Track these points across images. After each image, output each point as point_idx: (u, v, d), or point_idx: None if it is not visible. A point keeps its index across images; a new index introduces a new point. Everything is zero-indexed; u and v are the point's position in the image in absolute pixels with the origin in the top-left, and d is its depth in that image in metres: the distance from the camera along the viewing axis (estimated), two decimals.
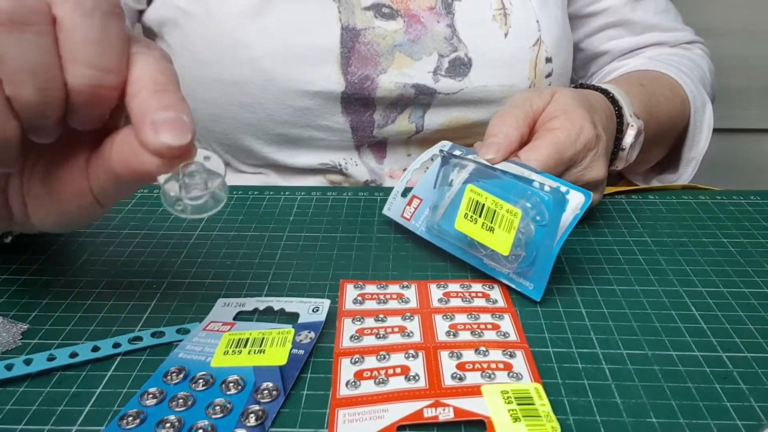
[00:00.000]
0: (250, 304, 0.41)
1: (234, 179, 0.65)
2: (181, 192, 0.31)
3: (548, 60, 0.63)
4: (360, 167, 0.64)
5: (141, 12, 0.64)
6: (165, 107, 0.29)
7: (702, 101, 0.68)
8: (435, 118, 0.62)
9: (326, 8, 0.59)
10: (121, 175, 0.31)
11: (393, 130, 0.62)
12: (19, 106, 0.29)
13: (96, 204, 0.34)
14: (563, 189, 0.42)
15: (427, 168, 0.50)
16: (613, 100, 0.55)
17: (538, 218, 0.41)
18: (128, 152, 0.30)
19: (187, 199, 0.31)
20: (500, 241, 0.41)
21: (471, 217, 0.42)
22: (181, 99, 0.30)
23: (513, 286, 0.42)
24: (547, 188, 0.41)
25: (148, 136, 0.29)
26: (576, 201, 0.42)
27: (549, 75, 0.64)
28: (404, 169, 0.64)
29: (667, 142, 0.68)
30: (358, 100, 0.60)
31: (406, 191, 0.50)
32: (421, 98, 0.61)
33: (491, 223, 0.41)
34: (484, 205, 0.41)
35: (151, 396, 0.33)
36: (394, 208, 0.50)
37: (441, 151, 0.47)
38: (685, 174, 0.67)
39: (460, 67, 0.61)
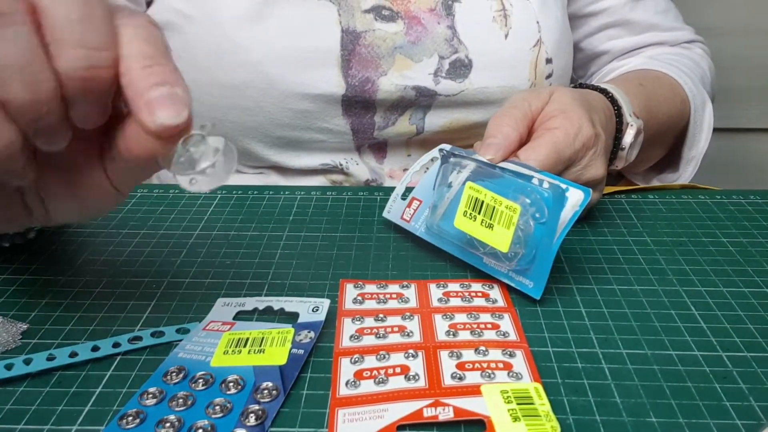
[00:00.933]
0: (250, 303, 0.41)
1: (234, 179, 0.65)
2: (190, 166, 0.30)
3: (548, 61, 0.63)
4: (361, 166, 0.64)
5: None
6: (157, 84, 0.28)
7: (702, 100, 0.68)
8: (435, 120, 0.62)
9: (326, 11, 0.59)
10: (129, 162, 0.31)
11: (393, 131, 0.62)
12: (14, 109, 0.27)
13: (114, 191, 0.33)
14: (563, 186, 0.42)
15: (427, 169, 0.50)
16: (613, 100, 0.55)
17: (537, 215, 0.41)
18: (131, 139, 0.30)
19: (198, 170, 0.30)
20: (499, 238, 0.41)
21: (470, 214, 0.42)
22: (173, 69, 0.29)
23: (513, 285, 0.42)
24: (546, 185, 0.41)
25: (145, 118, 0.28)
26: (575, 198, 0.42)
27: (549, 76, 0.64)
28: (404, 169, 0.64)
29: (667, 141, 0.68)
30: (358, 103, 0.60)
31: (406, 194, 0.50)
32: (422, 100, 0.61)
33: (490, 219, 0.41)
34: (483, 201, 0.41)
35: (150, 396, 0.33)
36: (393, 211, 0.50)
37: (441, 150, 0.47)
38: (685, 173, 0.67)
39: (460, 68, 0.61)
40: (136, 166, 0.31)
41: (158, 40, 0.30)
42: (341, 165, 0.63)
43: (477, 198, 0.42)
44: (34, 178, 0.31)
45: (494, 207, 0.41)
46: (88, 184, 0.33)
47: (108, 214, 0.52)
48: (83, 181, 0.32)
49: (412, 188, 0.50)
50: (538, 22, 0.62)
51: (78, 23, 0.27)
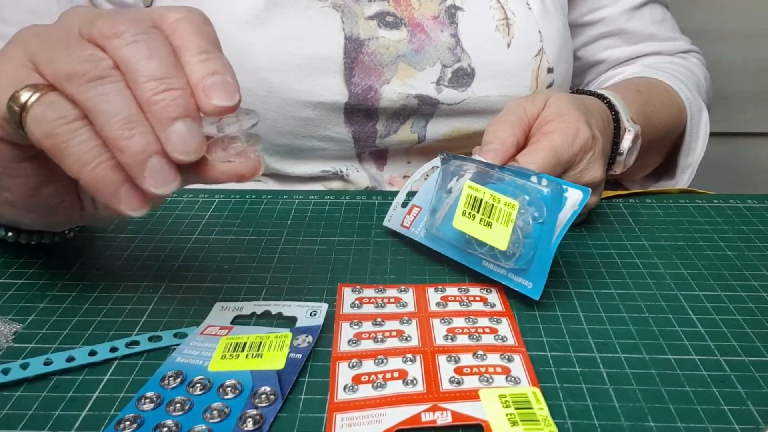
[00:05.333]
0: (248, 308, 0.41)
1: (232, 185, 0.65)
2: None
3: (550, 70, 0.63)
4: (361, 173, 0.63)
5: None
6: (211, 73, 0.32)
7: (698, 108, 0.68)
8: (437, 128, 0.62)
9: (329, 18, 0.59)
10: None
11: (395, 139, 0.62)
12: (124, 156, 0.31)
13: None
14: (561, 186, 0.42)
15: (427, 176, 0.50)
16: (610, 105, 0.55)
17: (536, 214, 0.41)
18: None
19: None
20: (498, 236, 0.41)
21: (469, 213, 0.42)
22: (225, 63, 0.33)
23: (511, 286, 0.42)
24: (545, 183, 0.41)
25: (203, 102, 0.32)
26: (574, 197, 0.42)
27: (550, 85, 0.64)
28: (404, 176, 0.64)
29: (664, 148, 0.68)
30: (360, 111, 0.60)
31: (406, 202, 0.50)
32: (424, 108, 0.61)
33: (489, 218, 0.41)
34: (482, 200, 0.41)
35: (148, 400, 0.33)
36: (394, 219, 0.50)
37: (442, 154, 0.47)
38: (681, 181, 0.68)
39: (463, 77, 0.61)
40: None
41: (212, 36, 0.34)
42: (341, 172, 0.63)
43: (476, 197, 0.42)
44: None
45: (493, 205, 0.41)
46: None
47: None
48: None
49: (413, 194, 0.50)
50: (540, 32, 0.62)
51: (155, 76, 0.31)
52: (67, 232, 0.47)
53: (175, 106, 0.31)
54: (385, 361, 0.36)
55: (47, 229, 0.45)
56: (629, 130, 0.55)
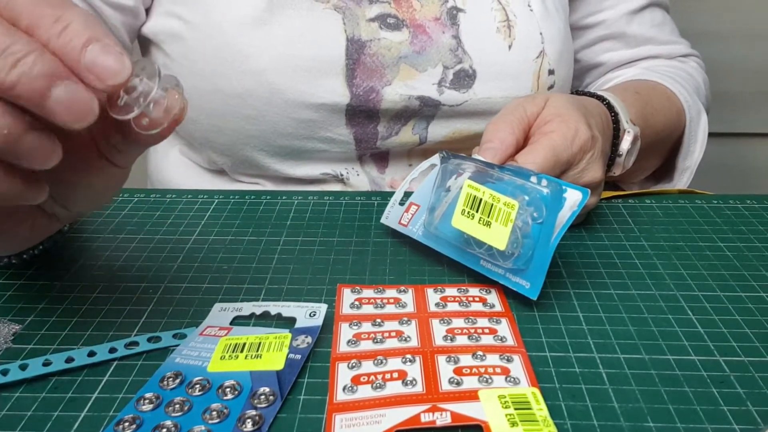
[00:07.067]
0: (247, 308, 0.41)
1: (230, 188, 0.65)
2: (134, 105, 0.30)
3: (551, 72, 0.63)
4: (362, 177, 0.63)
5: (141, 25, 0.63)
6: (84, 44, 0.28)
7: (697, 111, 0.68)
8: (439, 130, 0.62)
9: (331, 19, 0.59)
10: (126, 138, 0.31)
11: (396, 141, 0.62)
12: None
13: (120, 170, 0.34)
14: (561, 186, 0.42)
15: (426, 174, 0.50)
16: (609, 106, 0.55)
17: (535, 215, 0.41)
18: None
19: (139, 110, 0.30)
20: (497, 236, 0.41)
21: (468, 213, 0.42)
22: (84, 19, 0.28)
23: (509, 286, 0.42)
24: (544, 184, 0.41)
25: (95, 85, 0.28)
26: (573, 198, 0.42)
27: (551, 87, 0.64)
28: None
29: (663, 151, 0.68)
30: (362, 112, 0.60)
31: (404, 200, 0.50)
32: (426, 110, 0.61)
33: (488, 217, 0.41)
34: (481, 199, 0.41)
35: (147, 401, 0.33)
36: (391, 217, 0.50)
37: (441, 153, 0.47)
38: (679, 183, 0.68)
39: (464, 79, 0.61)
40: (128, 140, 0.32)
41: (55, 4, 0.28)
42: (341, 175, 0.63)
43: (476, 196, 0.42)
44: (44, 194, 0.31)
45: (492, 204, 0.41)
46: (94, 174, 0.33)
47: (96, 226, 0.52)
48: (89, 175, 0.33)
49: (411, 193, 0.50)
50: (541, 33, 0.63)
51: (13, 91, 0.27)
52: (13, 258, 0.44)
53: (42, 77, 0.27)
54: (384, 361, 0.36)
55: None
56: (628, 132, 0.55)
